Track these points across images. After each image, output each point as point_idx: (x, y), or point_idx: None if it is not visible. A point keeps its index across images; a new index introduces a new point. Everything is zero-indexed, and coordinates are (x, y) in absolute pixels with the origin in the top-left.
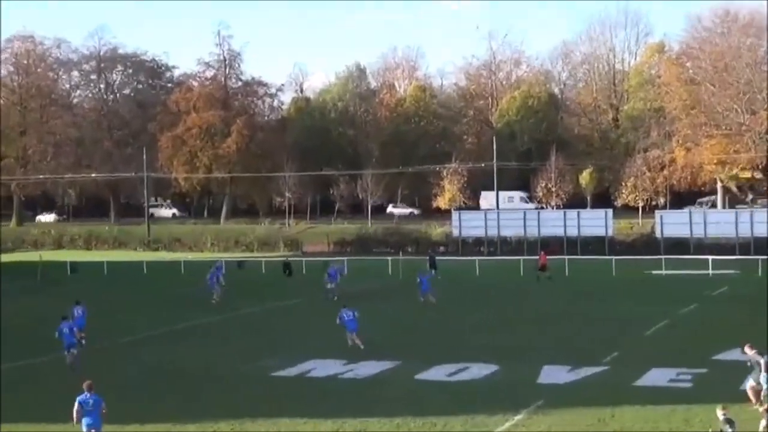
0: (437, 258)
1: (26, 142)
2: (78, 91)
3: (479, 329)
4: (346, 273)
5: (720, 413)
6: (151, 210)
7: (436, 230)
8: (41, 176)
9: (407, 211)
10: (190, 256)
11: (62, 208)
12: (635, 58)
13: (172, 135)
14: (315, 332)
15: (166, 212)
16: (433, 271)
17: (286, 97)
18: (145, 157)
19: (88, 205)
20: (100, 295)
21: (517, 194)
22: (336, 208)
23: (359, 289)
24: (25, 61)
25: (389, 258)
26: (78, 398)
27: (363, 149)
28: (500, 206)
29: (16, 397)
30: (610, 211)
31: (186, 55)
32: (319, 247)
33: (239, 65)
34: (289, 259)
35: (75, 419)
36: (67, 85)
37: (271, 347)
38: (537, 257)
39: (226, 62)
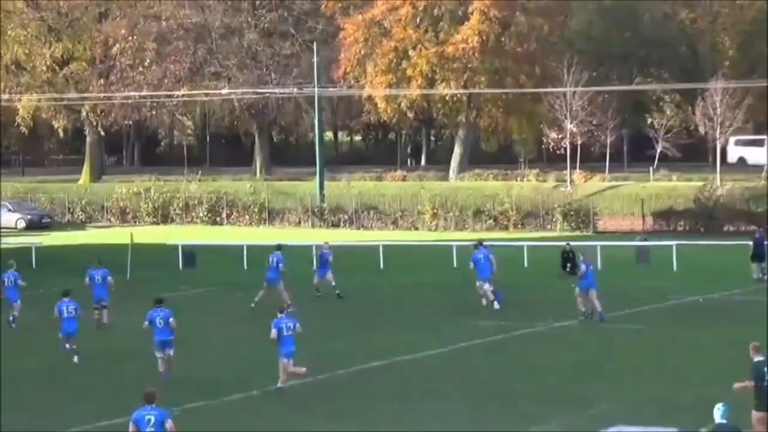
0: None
1: (108, 33)
2: None
3: None
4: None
5: None
6: None
7: None
8: (133, 94)
9: None
10: (388, 235)
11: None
12: None
13: (363, 20)
14: (604, 368)
15: None
16: (763, 266)
17: None
18: (316, 59)
19: (216, 144)
20: (234, 302)
21: None
22: (656, 151)
23: (689, 302)
24: None
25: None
26: (134, 415)
27: (704, 48)
28: None
29: None
30: None
31: None
32: (624, 222)
33: None
34: (572, 244)
35: None
36: None
37: (533, 389)
38: None
39: None
